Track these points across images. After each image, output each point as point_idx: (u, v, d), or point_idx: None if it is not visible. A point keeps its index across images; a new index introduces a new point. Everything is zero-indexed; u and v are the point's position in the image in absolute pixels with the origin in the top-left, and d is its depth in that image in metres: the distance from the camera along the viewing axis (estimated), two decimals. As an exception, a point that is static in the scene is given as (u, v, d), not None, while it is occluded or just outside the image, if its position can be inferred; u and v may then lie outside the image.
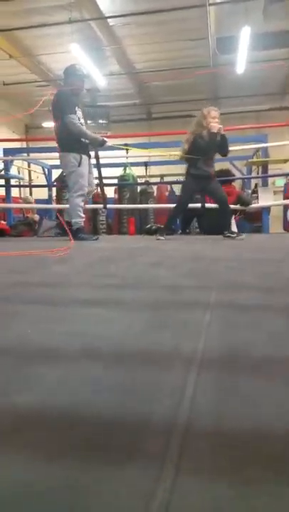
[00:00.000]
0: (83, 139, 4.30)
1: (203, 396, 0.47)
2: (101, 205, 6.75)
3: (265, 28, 8.28)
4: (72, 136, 4.21)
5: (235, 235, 4.29)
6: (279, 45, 9.36)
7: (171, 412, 0.44)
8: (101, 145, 4.41)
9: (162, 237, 4.29)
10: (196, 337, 0.70)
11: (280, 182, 9.54)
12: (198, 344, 0.66)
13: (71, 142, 4.23)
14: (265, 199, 6.76)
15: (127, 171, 7.59)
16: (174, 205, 4.73)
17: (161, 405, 0.45)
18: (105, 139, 4.44)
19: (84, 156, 4.27)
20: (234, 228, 6.56)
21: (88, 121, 11.83)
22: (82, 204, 4.37)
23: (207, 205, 5.93)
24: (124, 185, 7.64)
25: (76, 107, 4.29)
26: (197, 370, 0.55)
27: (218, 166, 6.83)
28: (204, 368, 0.56)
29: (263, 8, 7.07)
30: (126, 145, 5.92)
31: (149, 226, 7.13)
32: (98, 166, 5.85)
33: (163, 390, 0.49)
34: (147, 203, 7.78)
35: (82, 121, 4.36)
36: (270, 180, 7.43)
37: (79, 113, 4.32)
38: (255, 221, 7.17)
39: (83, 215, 4.43)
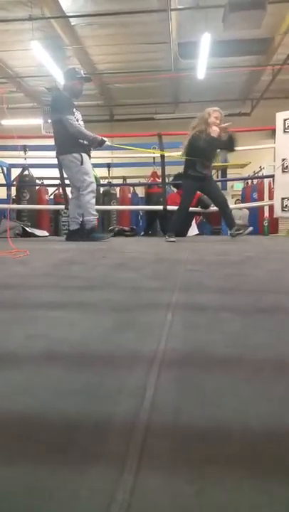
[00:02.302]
0: (81, 140, 4.24)
1: (163, 396, 0.48)
2: (62, 206, 6.65)
3: (225, 36, 8.51)
4: (71, 138, 4.16)
5: (242, 230, 4.24)
6: (238, 53, 9.66)
7: (132, 412, 0.44)
8: (100, 145, 4.32)
9: (173, 239, 4.22)
10: (158, 338, 0.71)
11: (239, 186, 9.85)
12: (160, 345, 0.67)
13: (70, 143, 4.17)
14: (224, 202, 6.93)
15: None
16: (177, 207, 4.66)
17: (122, 406, 0.46)
18: (104, 138, 4.35)
19: (84, 155, 4.20)
20: (195, 231, 6.67)
21: (49, 121, 11.61)
22: (93, 201, 4.26)
23: (169, 207, 6.00)
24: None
25: (74, 109, 4.25)
26: (158, 371, 0.56)
27: (180, 168, 6.95)
28: (165, 368, 0.57)
29: (222, 16, 7.26)
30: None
31: (111, 227, 7.11)
32: (60, 166, 5.74)
33: (124, 392, 0.50)
34: (110, 205, 7.76)
35: (81, 122, 4.30)
36: (229, 184, 7.64)
37: (77, 114, 4.28)
38: (215, 224, 7.35)
39: (96, 213, 4.34)
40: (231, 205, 7.64)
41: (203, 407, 0.46)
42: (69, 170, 4.33)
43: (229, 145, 4.25)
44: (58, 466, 0.35)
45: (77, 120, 4.24)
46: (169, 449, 0.38)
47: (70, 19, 8.54)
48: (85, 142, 4.26)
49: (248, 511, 0.31)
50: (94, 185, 4.25)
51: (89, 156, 4.31)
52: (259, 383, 0.53)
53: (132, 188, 8.42)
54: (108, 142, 4.45)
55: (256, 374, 0.57)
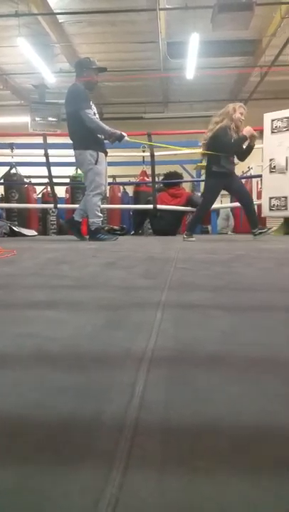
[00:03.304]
0: (100, 135, 4.12)
1: (152, 393, 0.48)
2: (51, 205, 6.61)
3: (214, 37, 8.56)
4: (88, 133, 4.01)
5: (265, 229, 4.13)
6: (226, 54, 9.73)
7: (122, 410, 0.44)
8: (119, 140, 4.18)
9: (193, 238, 4.16)
10: (148, 336, 0.71)
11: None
12: (149, 343, 0.67)
13: (87, 139, 4.03)
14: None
15: (80, 171, 7.49)
16: (198, 205, 4.50)
17: (111, 404, 0.46)
18: (123, 133, 4.20)
19: (100, 154, 4.07)
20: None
21: (37, 119, 11.53)
22: (100, 203, 4.18)
23: (159, 206, 6.01)
24: (76, 184, 7.53)
25: (91, 102, 4.09)
26: (147, 368, 0.56)
27: (169, 168, 6.97)
28: (154, 365, 0.57)
29: (211, 17, 7.31)
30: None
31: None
32: (48, 164, 5.68)
33: (114, 389, 0.49)
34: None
35: (97, 116, 4.16)
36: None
37: (94, 107, 4.13)
38: (204, 222, 7.39)
39: (101, 215, 4.23)
40: (223, 205, 7.70)
41: (193, 403, 0.46)
42: (81, 166, 4.23)
43: (243, 155, 4.17)
44: (47, 465, 0.35)
45: (94, 114, 4.11)
46: (158, 445, 0.38)
47: (58, 16, 8.50)
48: (102, 137, 4.14)
49: (236, 504, 0.31)
50: (103, 187, 4.17)
51: (106, 153, 4.21)
52: (249, 380, 0.54)
53: (122, 187, 8.41)
54: (127, 138, 4.31)
55: (246, 371, 0.57)
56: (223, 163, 4.04)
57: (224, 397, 0.48)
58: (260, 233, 4.10)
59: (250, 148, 4.13)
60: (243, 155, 4.18)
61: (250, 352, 0.65)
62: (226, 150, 3.98)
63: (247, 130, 3.97)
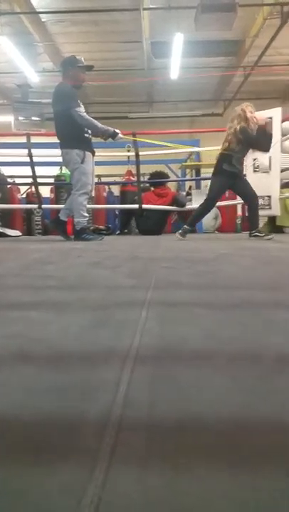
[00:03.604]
0: (86, 134, 4.09)
1: (136, 391, 0.48)
2: (36, 205, 6.56)
3: (197, 37, 8.61)
4: (75, 132, 3.99)
5: (263, 234, 4.14)
6: (210, 54, 9.80)
7: (105, 408, 0.44)
8: (113, 137, 4.17)
9: (183, 238, 4.15)
10: (132, 334, 0.72)
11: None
12: (134, 341, 0.68)
13: (74, 138, 4.01)
14: (198, 201, 7.04)
15: (64, 170, 7.45)
16: (202, 203, 4.45)
17: (95, 403, 0.45)
18: (117, 130, 4.19)
19: (87, 153, 4.05)
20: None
21: (20, 118, 11.41)
22: (85, 203, 4.15)
23: (144, 206, 6.02)
24: (61, 184, 7.48)
25: (79, 100, 4.06)
26: (132, 367, 0.56)
27: (154, 167, 6.98)
28: (139, 364, 0.57)
29: (194, 17, 7.35)
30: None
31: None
32: (31, 164, 5.62)
33: (98, 388, 0.49)
34: (85, 204, 7.70)
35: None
36: (203, 183, 7.74)
37: (82, 106, 4.10)
38: (190, 222, 7.42)
39: (87, 215, 4.21)
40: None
41: (176, 400, 0.47)
42: (68, 165, 4.20)
43: (267, 146, 4.21)
44: (28, 466, 0.35)
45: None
46: (141, 443, 0.38)
47: (41, 15, 8.43)
48: (90, 137, 4.11)
49: (220, 499, 0.32)
50: (89, 187, 4.14)
51: (93, 153, 4.18)
52: (232, 375, 0.54)
53: (107, 187, 8.39)
54: (121, 135, 4.29)
55: (229, 366, 0.58)
56: (235, 163, 4.08)
57: (207, 393, 0.49)
58: (256, 236, 4.12)
59: (270, 136, 4.22)
60: (268, 145, 4.24)
61: (232, 348, 0.66)
62: (253, 145, 4.09)
63: (260, 119, 4.09)
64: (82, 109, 4.03)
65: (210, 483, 0.33)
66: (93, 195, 4.46)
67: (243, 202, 4.45)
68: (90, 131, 4.12)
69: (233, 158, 4.07)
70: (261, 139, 4.11)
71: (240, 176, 4.23)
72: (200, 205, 4.48)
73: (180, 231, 4.31)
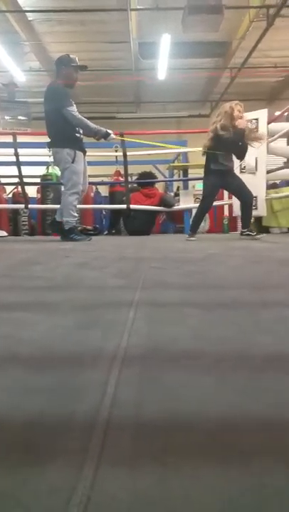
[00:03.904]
0: (77, 134, 4.05)
1: (124, 391, 0.48)
2: (22, 205, 6.50)
3: (185, 38, 8.65)
4: (66, 131, 3.96)
5: (254, 233, 4.09)
6: (197, 55, 9.85)
7: (93, 409, 0.44)
8: (105, 137, 4.15)
9: (194, 238, 4.10)
10: (120, 335, 0.72)
11: (200, 186, 10.02)
12: (122, 342, 0.68)
13: (65, 137, 3.97)
14: (185, 201, 7.06)
15: (50, 170, 7.39)
16: (198, 204, 4.44)
17: (83, 404, 0.45)
18: (109, 131, 4.16)
19: (78, 152, 4.01)
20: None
21: (6, 117, 11.30)
22: (76, 203, 4.09)
23: (132, 206, 6.02)
24: (47, 183, 7.43)
25: (71, 100, 4.02)
26: (119, 367, 0.56)
27: (142, 168, 6.98)
28: (127, 364, 0.57)
29: (182, 18, 7.38)
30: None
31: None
32: (18, 164, 5.57)
33: (86, 389, 0.49)
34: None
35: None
36: (191, 183, 7.77)
37: (74, 105, 4.06)
38: (178, 222, 7.46)
39: (76, 215, 4.15)
40: (195, 204, 7.77)
41: (164, 400, 0.47)
42: (59, 164, 4.17)
43: (240, 153, 4.13)
44: (17, 466, 0.35)
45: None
46: (129, 442, 0.38)
47: (27, 14, 8.36)
48: (81, 136, 4.09)
49: (208, 497, 0.32)
50: (80, 187, 4.10)
51: (84, 152, 4.15)
52: (220, 375, 0.55)
53: (94, 187, 8.36)
54: (113, 135, 4.26)
55: (217, 366, 0.58)
56: (222, 161, 4.04)
57: (195, 393, 0.49)
58: (248, 235, 4.08)
59: (245, 146, 4.10)
60: (242, 153, 4.16)
61: (220, 348, 0.66)
62: (224, 148, 3.98)
63: (240, 122, 3.98)
64: (74, 108, 4.02)
65: (198, 482, 0.33)
66: (84, 193, 4.40)
67: (238, 200, 4.39)
68: (80, 131, 4.11)
69: (218, 156, 4.03)
70: (237, 146, 4.03)
71: (231, 174, 4.18)
72: (197, 209, 4.47)
73: (187, 236, 4.31)
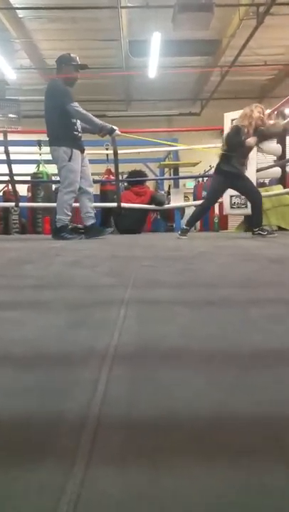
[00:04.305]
0: (76, 132, 4.03)
1: (114, 389, 0.49)
2: (13, 204, 6.44)
3: (175, 36, 8.64)
4: (64, 129, 3.95)
5: (266, 232, 4.02)
6: (187, 53, 9.84)
7: (84, 407, 0.44)
8: (110, 133, 4.17)
9: (185, 237, 4.06)
10: (111, 333, 0.72)
11: (190, 184, 10.05)
12: (112, 340, 0.68)
13: (62, 135, 3.97)
14: (176, 200, 7.07)
15: (41, 168, 7.35)
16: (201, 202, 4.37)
17: (73, 402, 0.46)
18: (114, 127, 4.16)
19: (75, 151, 3.99)
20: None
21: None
22: (71, 202, 4.09)
23: (123, 204, 6.01)
24: (38, 182, 7.38)
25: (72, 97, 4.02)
26: (110, 365, 0.56)
27: (133, 166, 6.98)
28: (117, 362, 0.57)
29: (172, 16, 7.37)
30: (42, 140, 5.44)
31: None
32: (8, 162, 5.52)
33: (76, 387, 0.49)
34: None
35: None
36: (181, 182, 7.78)
37: (76, 102, 4.05)
38: (169, 220, 7.47)
39: (70, 213, 4.14)
40: (189, 203, 7.79)
41: (154, 398, 0.47)
42: (56, 162, 4.15)
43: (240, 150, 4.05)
44: (6, 465, 0.35)
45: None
46: (120, 441, 0.38)
47: (18, 11, 8.28)
48: (79, 135, 4.08)
49: (197, 494, 0.32)
50: (77, 185, 4.08)
51: (82, 151, 4.14)
52: (209, 373, 0.55)
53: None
54: (118, 131, 4.26)
55: (207, 364, 0.59)
56: (234, 163, 4.02)
57: (184, 390, 0.49)
58: (259, 234, 4.04)
59: (245, 145, 4.06)
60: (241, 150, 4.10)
61: (210, 346, 0.67)
62: (233, 149, 3.98)
63: (249, 142, 3.95)
64: (77, 104, 4.02)
65: (188, 480, 0.34)
66: (92, 191, 4.42)
67: (248, 200, 4.37)
68: (79, 129, 4.12)
69: (232, 159, 4.01)
70: (234, 143, 4.00)
71: (241, 177, 4.14)
72: (199, 205, 4.45)
73: (179, 232, 4.30)
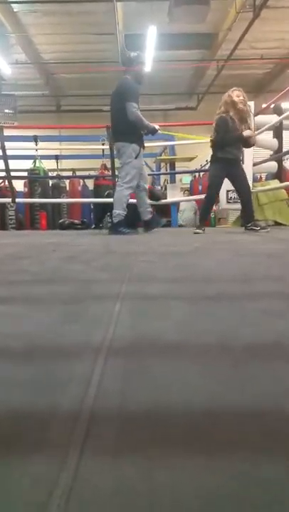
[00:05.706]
0: (142, 130, 4.16)
1: (108, 383, 0.49)
2: (9, 199, 6.41)
3: (171, 29, 8.57)
4: (134, 127, 4.08)
5: (259, 228, 3.97)
6: (183, 47, 9.78)
7: (77, 400, 0.44)
8: (153, 133, 4.28)
9: (201, 231, 4.01)
10: (106, 327, 0.72)
11: (187, 179, 10.03)
12: (107, 334, 0.68)
13: (133, 133, 4.10)
14: (172, 195, 7.06)
15: (37, 164, 7.31)
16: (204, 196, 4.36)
17: (68, 395, 0.46)
18: (157, 126, 4.30)
19: (141, 149, 4.17)
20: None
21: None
22: (129, 197, 4.19)
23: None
24: (34, 177, 7.35)
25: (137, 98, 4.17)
26: (104, 359, 0.56)
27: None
28: (112, 356, 0.58)
29: (168, 9, 7.31)
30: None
31: (62, 221, 6.98)
32: (5, 157, 5.51)
33: (71, 381, 0.49)
34: (60, 198, 7.59)
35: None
36: (178, 177, 7.77)
37: (137, 104, 4.18)
38: (165, 215, 7.45)
39: (126, 209, 4.20)
40: (185, 198, 7.78)
41: (148, 391, 0.47)
42: (120, 158, 4.26)
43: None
44: (0, 458, 0.35)
45: (138, 108, 4.15)
46: (113, 433, 0.38)
47: (13, 5, 8.18)
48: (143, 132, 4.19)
49: (191, 487, 0.32)
50: (136, 182, 4.17)
51: (143, 148, 4.27)
52: (204, 366, 0.55)
53: (81, 181, 8.30)
54: (160, 131, 4.39)
55: (201, 358, 0.59)
56: (229, 149, 3.98)
57: (178, 384, 0.50)
58: (252, 229, 4.00)
59: (245, 145, 4.14)
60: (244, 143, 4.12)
61: (204, 340, 0.67)
62: (224, 141, 3.96)
63: (247, 132, 3.94)
64: (136, 105, 4.14)
65: (182, 472, 0.34)
66: (146, 186, 4.56)
67: (238, 194, 4.35)
68: None
69: (225, 145, 3.96)
70: (231, 141, 3.98)
71: (237, 164, 4.13)
72: (204, 199, 4.42)
73: (195, 228, 4.30)
